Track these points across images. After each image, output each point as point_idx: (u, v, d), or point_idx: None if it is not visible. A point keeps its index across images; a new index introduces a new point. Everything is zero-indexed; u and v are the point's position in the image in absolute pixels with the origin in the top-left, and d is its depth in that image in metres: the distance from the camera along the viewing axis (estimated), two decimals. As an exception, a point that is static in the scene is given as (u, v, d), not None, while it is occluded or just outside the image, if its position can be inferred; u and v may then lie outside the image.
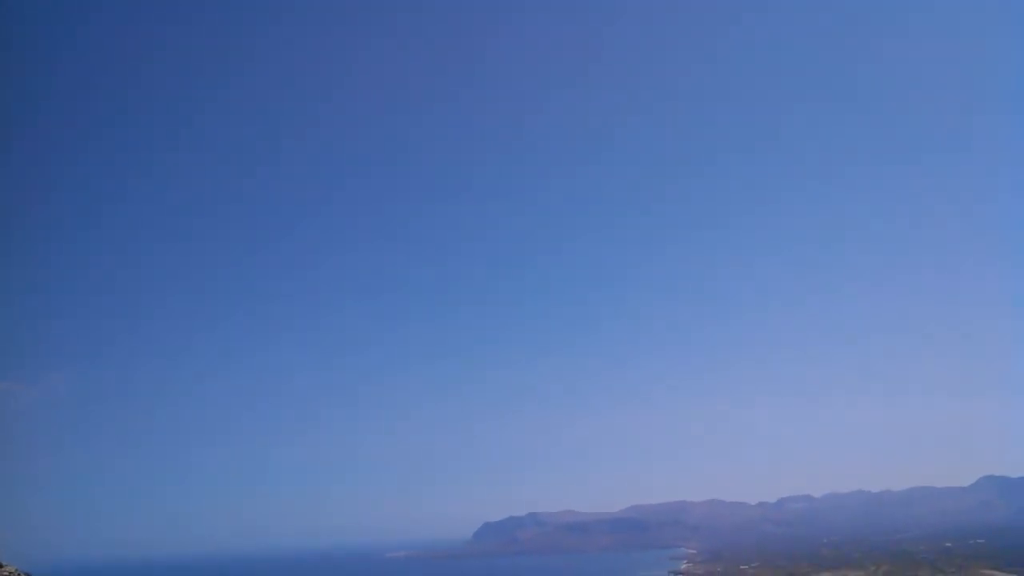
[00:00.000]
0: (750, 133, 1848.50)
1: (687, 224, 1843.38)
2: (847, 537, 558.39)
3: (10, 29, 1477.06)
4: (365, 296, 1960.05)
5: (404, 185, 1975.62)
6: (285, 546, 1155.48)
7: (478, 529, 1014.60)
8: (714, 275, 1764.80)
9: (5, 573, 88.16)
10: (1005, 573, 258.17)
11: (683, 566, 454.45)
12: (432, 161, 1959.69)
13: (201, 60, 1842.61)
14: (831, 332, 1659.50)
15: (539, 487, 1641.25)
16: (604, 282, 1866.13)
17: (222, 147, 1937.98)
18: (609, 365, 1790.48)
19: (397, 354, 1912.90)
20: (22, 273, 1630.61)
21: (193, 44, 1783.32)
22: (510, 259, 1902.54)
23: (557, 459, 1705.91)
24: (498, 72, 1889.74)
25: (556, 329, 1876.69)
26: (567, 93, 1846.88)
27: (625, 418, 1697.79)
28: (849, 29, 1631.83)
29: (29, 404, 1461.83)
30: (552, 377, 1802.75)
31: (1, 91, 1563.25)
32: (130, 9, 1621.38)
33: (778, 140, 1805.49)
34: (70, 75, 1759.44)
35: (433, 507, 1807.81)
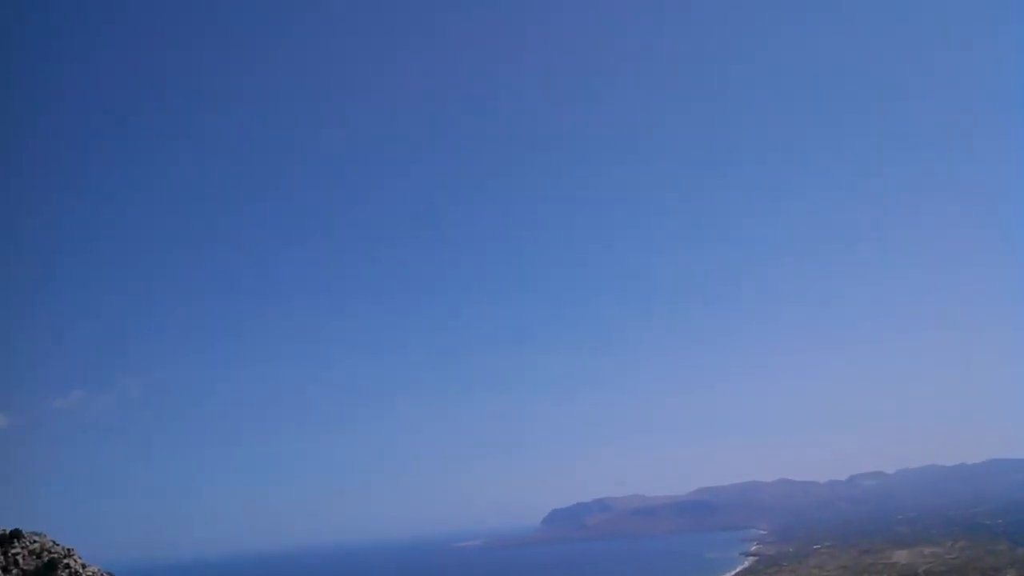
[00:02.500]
0: (754, 133, 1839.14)
1: (713, 217, 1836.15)
2: (921, 513, 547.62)
3: (41, 40, 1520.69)
4: (420, 290, 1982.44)
5: (427, 186, 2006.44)
6: (364, 540, 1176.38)
7: (547, 515, 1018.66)
8: (763, 263, 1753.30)
9: (89, 573, 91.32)
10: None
11: (753, 547, 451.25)
12: (449, 162, 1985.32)
13: (213, 64, 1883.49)
14: (899, 314, 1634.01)
15: (606, 473, 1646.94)
16: (654, 272, 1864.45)
17: (238, 152, 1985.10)
18: (673, 350, 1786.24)
19: (459, 344, 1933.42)
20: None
21: (204, 49, 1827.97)
22: (563, 255, 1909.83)
23: (624, 444, 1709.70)
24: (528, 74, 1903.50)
25: (614, 318, 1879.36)
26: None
27: (691, 401, 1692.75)
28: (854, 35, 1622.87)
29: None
30: (616, 364, 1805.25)
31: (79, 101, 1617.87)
32: (143, 14, 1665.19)
33: (779, 140, 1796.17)
34: (76, 82, 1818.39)
35: (502, 495, 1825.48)
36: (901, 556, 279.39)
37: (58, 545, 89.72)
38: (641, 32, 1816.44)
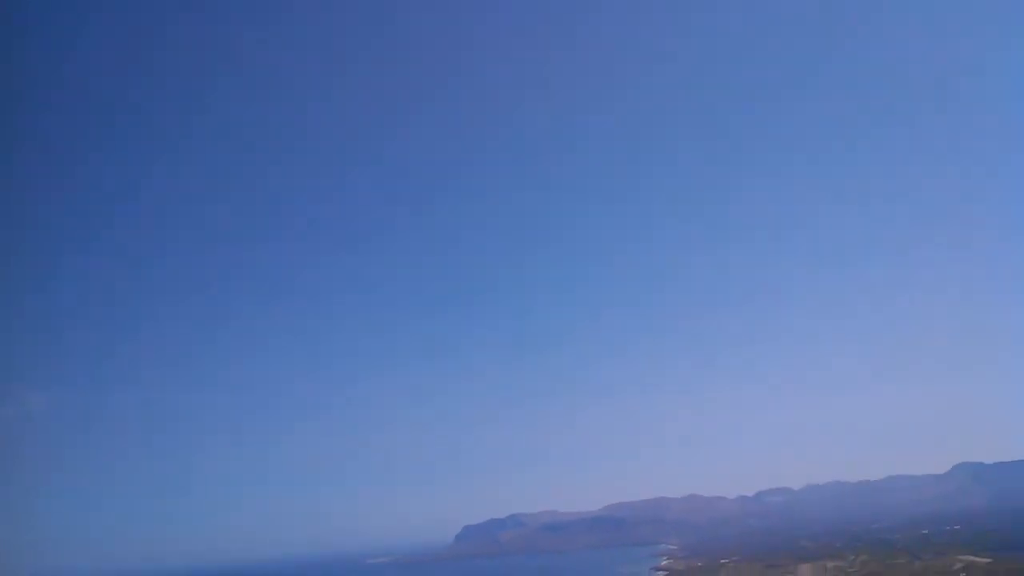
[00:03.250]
0: (751, 131, 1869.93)
1: (660, 214, 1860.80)
2: (826, 528, 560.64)
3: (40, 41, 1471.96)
4: (336, 304, 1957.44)
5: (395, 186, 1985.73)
6: (266, 556, 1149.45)
7: (459, 532, 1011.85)
8: (686, 274, 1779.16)
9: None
10: (981, 558, 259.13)
11: (664, 562, 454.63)
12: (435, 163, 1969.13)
13: (198, 62, 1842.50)
14: (804, 327, 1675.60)
15: (519, 489, 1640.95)
16: (576, 286, 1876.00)
17: (222, 149, 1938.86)
18: (585, 365, 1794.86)
19: (375, 360, 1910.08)
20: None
21: (191, 47, 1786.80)
22: (484, 267, 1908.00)
23: (537, 460, 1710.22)
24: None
25: (531, 333, 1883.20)
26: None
27: (603, 417, 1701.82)
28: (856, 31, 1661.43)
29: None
30: (529, 379, 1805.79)
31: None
32: (133, 14, 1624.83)
33: (775, 139, 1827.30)
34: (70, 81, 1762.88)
35: (414, 512, 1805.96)
36: (805, 570, 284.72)
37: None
38: (646, 30, 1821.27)
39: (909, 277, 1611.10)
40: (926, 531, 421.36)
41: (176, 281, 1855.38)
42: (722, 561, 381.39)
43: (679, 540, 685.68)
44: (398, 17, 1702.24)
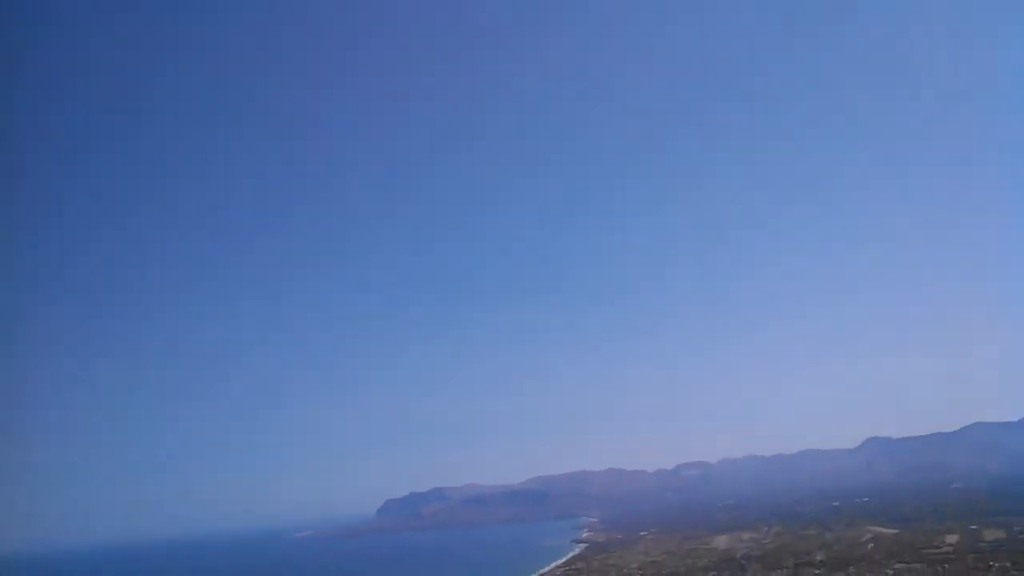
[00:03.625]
0: (751, 133, 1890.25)
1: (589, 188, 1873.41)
2: (741, 500, 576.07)
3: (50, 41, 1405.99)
4: (260, 280, 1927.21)
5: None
6: (191, 532, 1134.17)
7: (381, 506, 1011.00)
8: (609, 259, 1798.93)
9: None
10: (888, 529, 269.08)
11: (584, 534, 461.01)
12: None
13: (199, 62, 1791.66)
14: (723, 308, 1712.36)
15: (442, 463, 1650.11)
16: (494, 263, 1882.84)
17: (224, 146, 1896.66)
18: (506, 341, 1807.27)
19: (296, 335, 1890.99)
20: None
21: (190, 46, 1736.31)
22: (417, 250, 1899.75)
23: (460, 434, 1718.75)
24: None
25: (456, 310, 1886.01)
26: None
27: (526, 392, 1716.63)
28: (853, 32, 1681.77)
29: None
30: (450, 354, 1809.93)
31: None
32: (139, 14, 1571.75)
33: (772, 134, 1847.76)
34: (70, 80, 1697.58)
35: (338, 486, 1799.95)
36: (721, 541, 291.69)
37: None
38: (644, 32, 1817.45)
39: (829, 260, 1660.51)
40: (836, 503, 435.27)
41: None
42: (641, 533, 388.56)
43: (600, 512, 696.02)
44: (399, 18, 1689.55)
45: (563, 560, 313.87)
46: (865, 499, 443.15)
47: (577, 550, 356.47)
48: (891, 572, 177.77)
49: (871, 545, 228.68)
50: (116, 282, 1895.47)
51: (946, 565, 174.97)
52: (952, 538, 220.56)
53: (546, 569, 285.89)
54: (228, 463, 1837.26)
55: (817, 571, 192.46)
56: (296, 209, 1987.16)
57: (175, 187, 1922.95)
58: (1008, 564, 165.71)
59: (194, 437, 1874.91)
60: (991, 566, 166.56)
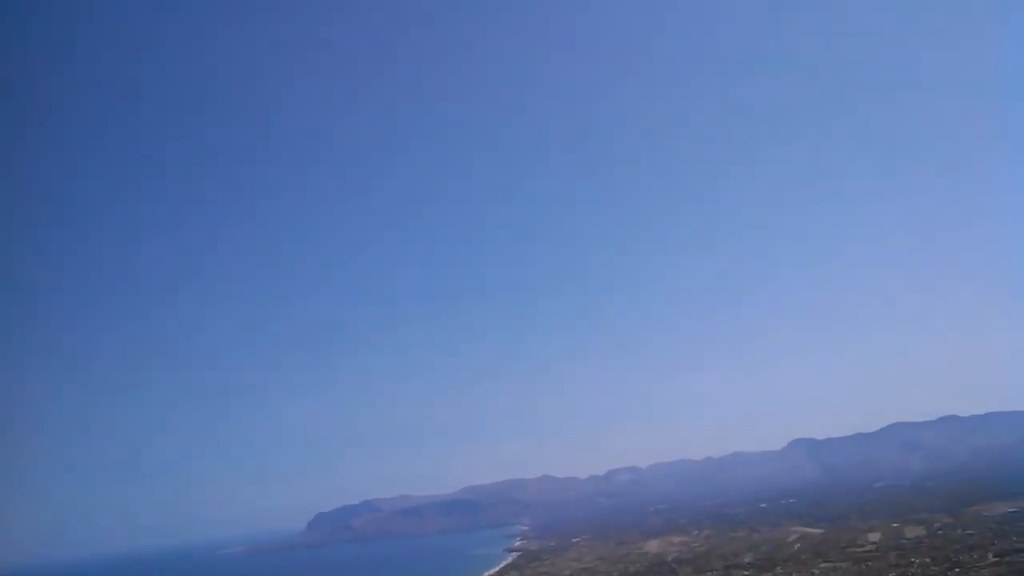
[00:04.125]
0: (750, 133, 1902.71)
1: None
2: (672, 504, 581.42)
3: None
4: (186, 291, 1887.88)
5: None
6: (118, 550, 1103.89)
7: (312, 519, 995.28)
8: (537, 256, 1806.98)
9: None
10: (813, 528, 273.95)
11: (517, 542, 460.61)
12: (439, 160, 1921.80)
13: (201, 62, 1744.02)
14: (653, 313, 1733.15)
15: (373, 474, 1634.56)
16: (416, 272, 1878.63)
17: (225, 150, 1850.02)
18: (433, 351, 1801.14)
19: (231, 349, 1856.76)
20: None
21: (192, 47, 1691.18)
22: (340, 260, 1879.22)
23: (391, 445, 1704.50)
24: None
25: (379, 319, 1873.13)
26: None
27: (455, 401, 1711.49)
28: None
29: None
30: (381, 366, 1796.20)
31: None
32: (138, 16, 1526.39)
33: (771, 134, 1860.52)
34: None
35: (267, 500, 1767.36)
36: (652, 546, 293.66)
37: None
38: (645, 30, 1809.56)
39: (756, 269, 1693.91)
40: (764, 505, 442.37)
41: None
42: (574, 540, 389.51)
43: (533, 520, 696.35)
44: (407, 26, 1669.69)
45: (496, 569, 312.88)
46: (792, 500, 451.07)
47: (510, 559, 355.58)
48: (817, 571, 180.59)
49: (797, 545, 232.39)
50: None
51: (870, 563, 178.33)
52: (875, 536, 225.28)
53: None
54: (150, 477, 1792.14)
55: (746, 572, 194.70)
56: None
57: (173, 187, 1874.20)
58: (928, 560, 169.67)
59: (115, 450, 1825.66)
60: (912, 562, 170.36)
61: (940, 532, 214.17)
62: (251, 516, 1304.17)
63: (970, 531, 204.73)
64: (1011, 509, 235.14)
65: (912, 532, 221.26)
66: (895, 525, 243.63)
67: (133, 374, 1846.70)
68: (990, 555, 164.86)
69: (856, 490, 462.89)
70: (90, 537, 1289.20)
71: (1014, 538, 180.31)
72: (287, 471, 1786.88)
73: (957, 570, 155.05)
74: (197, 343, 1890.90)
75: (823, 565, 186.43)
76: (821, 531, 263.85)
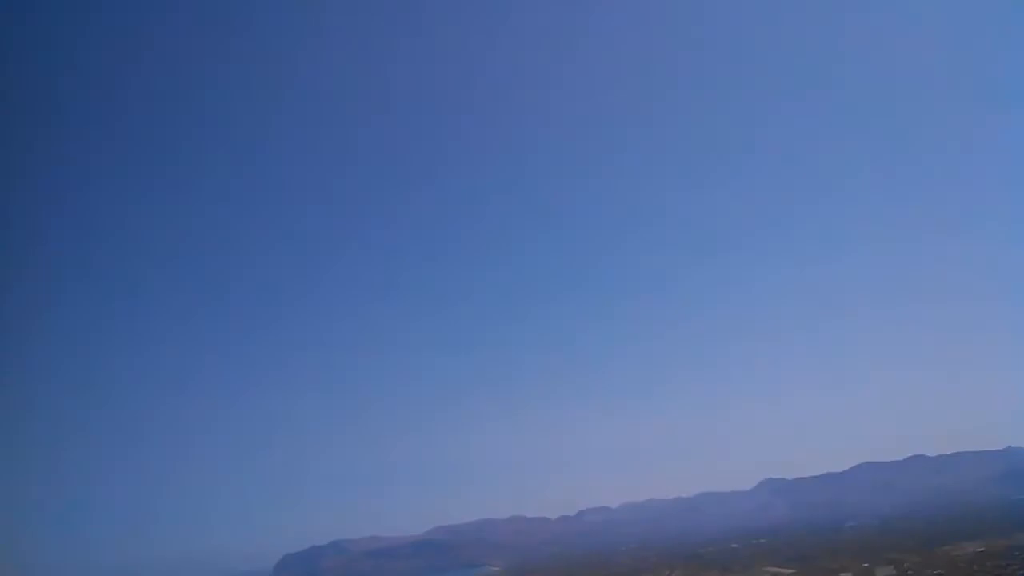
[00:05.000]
0: (749, 133, 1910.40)
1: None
2: (643, 544, 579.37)
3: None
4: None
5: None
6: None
7: (279, 560, 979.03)
8: (490, 305, 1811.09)
9: None
10: (785, 569, 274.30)
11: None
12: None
13: (204, 61, 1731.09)
14: (617, 350, 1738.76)
15: (341, 514, 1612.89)
16: (395, 322, 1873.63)
17: (230, 150, 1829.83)
18: (405, 391, 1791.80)
19: (194, 383, 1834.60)
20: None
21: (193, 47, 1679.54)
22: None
23: (359, 485, 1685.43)
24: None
25: (349, 358, 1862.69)
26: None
27: (426, 440, 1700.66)
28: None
29: None
30: (347, 402, 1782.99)
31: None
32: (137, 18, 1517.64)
33: (775, 141, 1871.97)
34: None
35: (232, 542, 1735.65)
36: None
37: None
38: (641, 31, 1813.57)
39: (727, 311, 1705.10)
40: (735, 544, 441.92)
41: None
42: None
43: (503, 561, 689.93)
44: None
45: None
46: (762, 540, 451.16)
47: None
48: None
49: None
50: None
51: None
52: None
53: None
54: (109, 516, 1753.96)
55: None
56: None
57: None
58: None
59: (76, 487, 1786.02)
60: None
61: (910, 572, 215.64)
62: (215, 557, 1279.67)
63: (940, 571, 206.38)
64: (979, 548, 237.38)
65: (883, 572, 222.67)
66: (865, 565, 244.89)
67: (96, 408, 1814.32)
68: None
69: (826, 530, 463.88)
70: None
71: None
72: (252, 510, 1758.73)
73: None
74: (166, 378, 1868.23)
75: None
76: (792, 572, 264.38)
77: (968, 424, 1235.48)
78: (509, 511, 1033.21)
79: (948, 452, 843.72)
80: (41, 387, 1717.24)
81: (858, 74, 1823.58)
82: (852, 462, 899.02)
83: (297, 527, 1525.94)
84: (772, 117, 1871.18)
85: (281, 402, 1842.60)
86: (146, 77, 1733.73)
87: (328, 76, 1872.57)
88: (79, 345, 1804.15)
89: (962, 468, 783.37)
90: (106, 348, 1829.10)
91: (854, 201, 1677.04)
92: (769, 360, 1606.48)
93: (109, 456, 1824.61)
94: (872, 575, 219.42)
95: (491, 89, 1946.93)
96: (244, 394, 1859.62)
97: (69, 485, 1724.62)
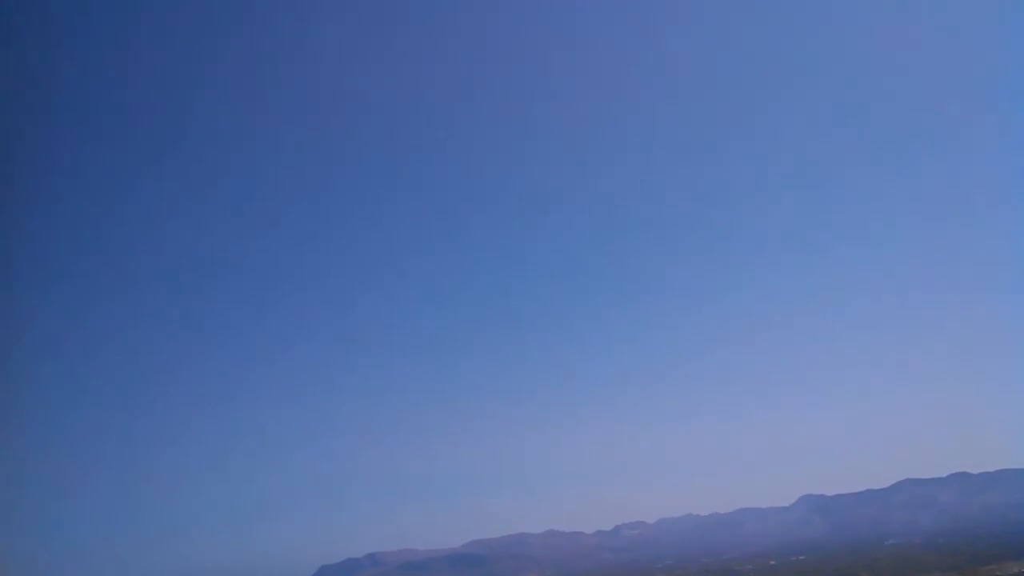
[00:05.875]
0: (749, 133, 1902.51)
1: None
2: (679, 560, 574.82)
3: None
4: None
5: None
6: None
7: (315, 572, 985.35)
8: (537, 309, 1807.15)
9: None
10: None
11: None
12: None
13: (204, 58, 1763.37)
14: (656, 362, 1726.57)
15: (377, 526, 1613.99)
16: (421, 327, 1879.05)
17: (223, 147, 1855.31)
18: (439, 399, 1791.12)
19: (226, 394, 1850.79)
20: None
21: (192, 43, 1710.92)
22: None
23: (395, 497, 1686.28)
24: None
25: (383, 366, 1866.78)
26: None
27: (461, 452, 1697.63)
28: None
29: None
30: (383, 413, 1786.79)
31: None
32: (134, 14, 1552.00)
33: (776, 141, 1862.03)
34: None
35: (268, 552, 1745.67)
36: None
37: None
38: (641, 30, 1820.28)
39: (765, 321, 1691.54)
40: (773, 562, 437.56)
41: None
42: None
43: (539, 575, 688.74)
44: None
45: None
46: (801, 556, 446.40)
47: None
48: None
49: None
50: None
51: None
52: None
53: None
54: (145, 527, 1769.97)
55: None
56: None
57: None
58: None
59: (113, 499, 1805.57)
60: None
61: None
62: (251, 569, 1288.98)
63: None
64: (1023, 570, 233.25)
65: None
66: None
67: (131, 420, 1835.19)
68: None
69: (866, 547, 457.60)
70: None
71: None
72: (289, 522, 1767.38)
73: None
74: (198, 387, 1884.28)
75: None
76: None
77: (1013, 440, 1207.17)
78: (544, 525, 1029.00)
79: (992, 469, 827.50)
80: (71, 390, 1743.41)
81: (858, 74, 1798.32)
82: (893, 479, 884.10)
83: (333, 539, 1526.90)
84: (772, 116, 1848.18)
85: (314, 411, 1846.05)
86: (134, 73, 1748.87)
87: (321, 70, 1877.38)
88: (95, 348, 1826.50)
89: (1007, 485, 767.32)
90: (104, 353, 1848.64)
91: (893, 200, 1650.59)
92: (811, 374, 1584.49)
93: (140, 466, 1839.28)
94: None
95: (490, 81, 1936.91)
96: (277, 403, 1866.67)
97: (97, 493, 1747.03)
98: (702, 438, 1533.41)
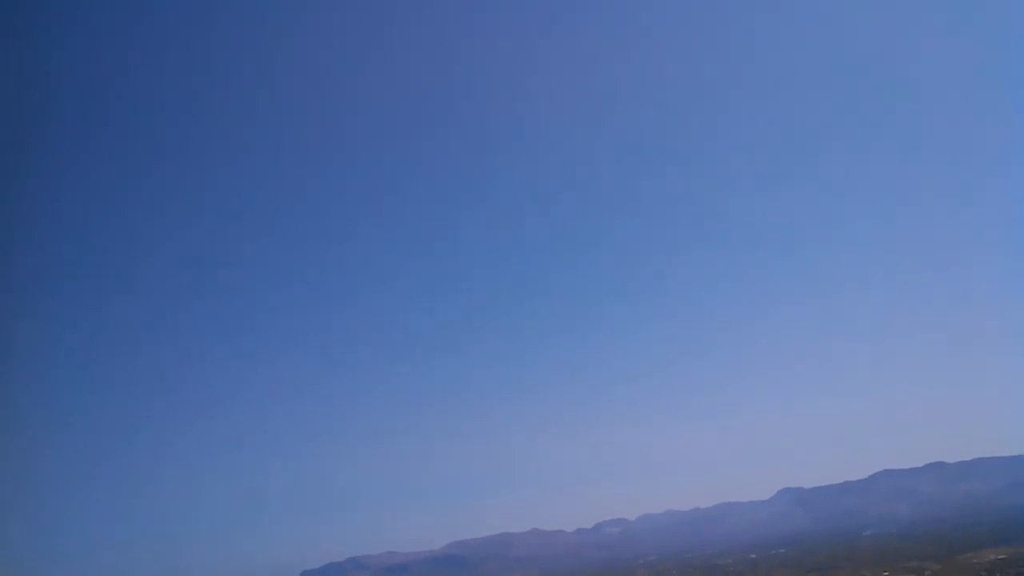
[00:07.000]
0: (751, 131, 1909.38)
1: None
2: (661, 555, 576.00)
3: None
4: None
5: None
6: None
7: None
8: (518, 307, 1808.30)
9: None
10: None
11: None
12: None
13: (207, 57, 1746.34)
14: (634, 358, 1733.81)
15: (358, 530, 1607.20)
16: (407, 331, 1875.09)
17: (226, 150, 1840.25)
18: (420, 404, 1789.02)
19: (202, 397, 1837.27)
20: None
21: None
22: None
23: (377, 499, 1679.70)
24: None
25: (362, 369, 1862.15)
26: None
27: (442, 454, 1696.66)
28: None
29: None
30: (363, 417, 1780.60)
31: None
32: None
33: (778, 138, 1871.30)
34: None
35: (249, 558, 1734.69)
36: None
37: None
38: (639, 27, 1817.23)
39: (741, 318, 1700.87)
40: (754, 555, 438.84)
41: None
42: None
43: (522, 575, 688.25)
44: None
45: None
46: (781, 550, 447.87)
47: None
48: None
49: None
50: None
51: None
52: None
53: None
54: (127, 534, 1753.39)
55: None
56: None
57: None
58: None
59: (98, 504, 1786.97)
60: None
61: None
62: (233, 574, 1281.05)
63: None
64: (1000, 556, 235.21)
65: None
66: (885, 574, 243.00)
67: (116, 426, 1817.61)
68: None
69: (845, 538, 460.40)
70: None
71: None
72: (270, 527, 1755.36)
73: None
74: (180, 396, 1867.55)
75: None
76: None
77: (988, 430, 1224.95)
78: (526, 524, 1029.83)
79: (968, 458, 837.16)
80: (66, 389, 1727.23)
81: (858, 73, 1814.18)
82: (871, 470, 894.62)
83: (315, 544, 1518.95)
84: (773, 119, 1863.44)
85: (295, 418, 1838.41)
86: (133, 72, 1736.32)
87: (319, 68, 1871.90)
88: (83, 349, 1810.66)
89: (983, 474, 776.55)
90: (102, 355, 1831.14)
91: (868, 201, 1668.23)
92: (786, 367, 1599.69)
93: (121, 473, 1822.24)
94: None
95: (489, 78, 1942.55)
96: (258, 411, 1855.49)
97: (82, 492, 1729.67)
98: (682, 435, 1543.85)
